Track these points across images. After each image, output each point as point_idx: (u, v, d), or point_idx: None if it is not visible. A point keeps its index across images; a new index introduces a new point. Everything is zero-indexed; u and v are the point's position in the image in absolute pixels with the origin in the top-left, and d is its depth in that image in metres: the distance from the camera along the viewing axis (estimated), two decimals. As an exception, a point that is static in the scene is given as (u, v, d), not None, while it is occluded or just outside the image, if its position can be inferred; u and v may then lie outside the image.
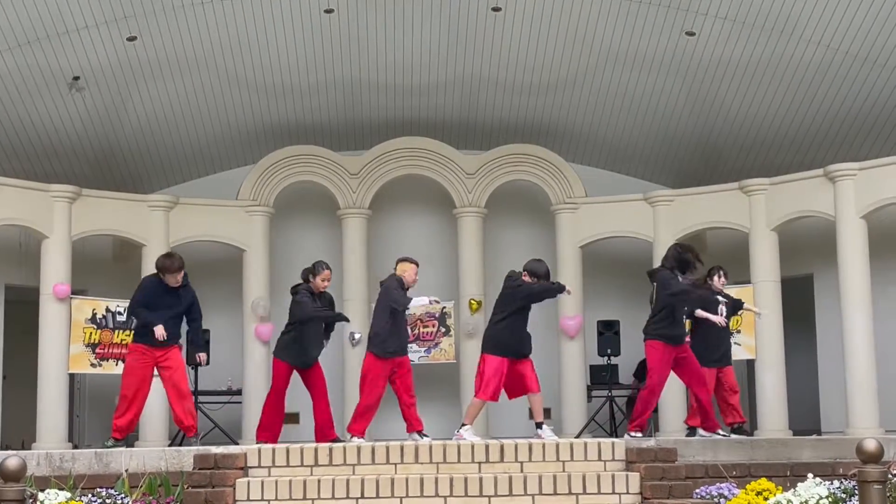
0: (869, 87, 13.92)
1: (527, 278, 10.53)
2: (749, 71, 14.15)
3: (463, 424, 10.40)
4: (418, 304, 10.85)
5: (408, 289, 10.72)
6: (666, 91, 14.92)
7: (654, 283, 10.75)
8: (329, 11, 13.48)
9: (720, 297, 11.39)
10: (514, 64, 14.59)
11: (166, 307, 10.28)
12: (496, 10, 13.52)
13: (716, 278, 11.44)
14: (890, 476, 7.84)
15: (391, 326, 10.61)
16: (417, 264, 10.91)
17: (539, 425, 10.41)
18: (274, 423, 10.97)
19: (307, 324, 10.88)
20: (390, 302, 10.59)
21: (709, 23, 13.37)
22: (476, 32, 14.02)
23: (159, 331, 10.05)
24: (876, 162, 13.66)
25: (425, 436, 10.49)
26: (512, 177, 15.87)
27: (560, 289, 10.63)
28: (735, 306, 11.77)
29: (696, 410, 11.06)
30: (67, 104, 14.27)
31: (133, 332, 10.59)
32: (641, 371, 16.00)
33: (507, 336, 10.36)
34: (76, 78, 13.82)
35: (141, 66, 13.98)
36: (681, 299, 10.57)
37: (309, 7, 13.36)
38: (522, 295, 10.45)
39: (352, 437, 10.51)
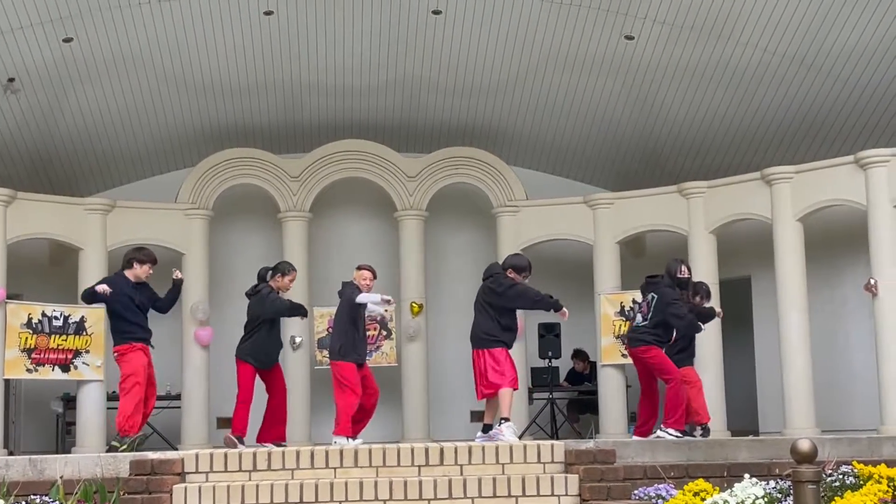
0: (805, 90, 14.11)
1: (512, 275, 10.59)
2: (687, 74, 14.28)
3: (504, 419, 10.33)
4: (370, 299, 10.90)
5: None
6: (605, 94, 15.01)
7: (652, 294, 11.04)
8: (268, 13, 13.40)
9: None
10: (455, 67, 14.61)
11: (140, 306, 10.60)
12: (436, 12, 13.53)
13: (697, 299, 11.58)
14: (824, 476, 7.94)
15: (355, 334, 10.85)
16: (373, 271, 11.22)
17: (488, 426, 10.49)
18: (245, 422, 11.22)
19: (273, 323, 11.21)
20: (346, 301, 10.79)
21: (647, 27, 13.47)
22: (416, 35, 14.02)
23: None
24: (812, 165, 13.84)
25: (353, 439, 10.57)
26: (453, 180, 15.87)
27: (557, 307, 10.59)
28: (708, 315, 11.92)
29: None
30: (2, 106, 14.06)
31: (123, 333, 10.53)
32: (573, 377, 16.14)
33: (502, 330, 10.52)
34: (11, 79, 13.62)
35: (77, 68, 13.82)
36: (678, 325, 10.93)
37: (248, 8, 13.28)
38: (513, 296, 10.51)
39: (349, 439, 10.54)
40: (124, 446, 10.05)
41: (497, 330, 10.54)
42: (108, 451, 10.34)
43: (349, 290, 11.02)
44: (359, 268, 11.25)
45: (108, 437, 13.79)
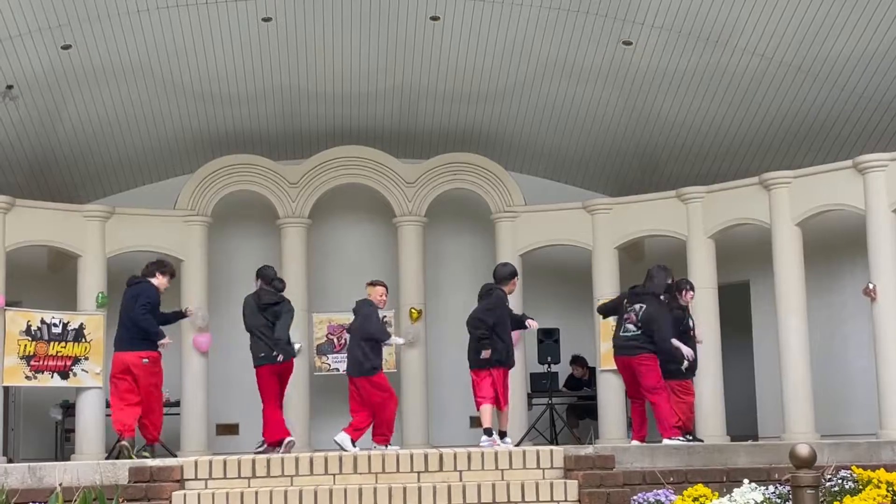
0: (802, 96, 14.12)
1: (515, 284, 11.18)
2: (685, 80, 14.29)
3: (493, 433, 10.70)
4: (394, 342, 11.66)
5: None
6: (604, 100, 15.02)
7: (640, 305, 11.07)
8: (267, 20, 13.42)
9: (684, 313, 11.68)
10: (453, 73, 14.62)
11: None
12: (434, 19, 13.54)
13: (684, 293, 11.64)
14: (823, 480, 7.95)
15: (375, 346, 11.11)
16: (386, 287, 11.36)
17: (489, 432, 10.58)
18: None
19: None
20: (374, 333, 10.96)
21: (645, 32, 13.48)
22: (415, 41, 14.03)
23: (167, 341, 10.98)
24: (810, 170, 13.84)
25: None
26: (451, 185, 15.88)
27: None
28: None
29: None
30: (1, 113, 14.07)
31: (153, 338, 10.83)
32: (572, 383, 16.15)
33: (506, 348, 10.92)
34: (9, 87, 13.63)
35: (76, 75, 13.83)
36: (662, 348, 11.02)
37: (247, 15, 13.29)
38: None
39: (385, 446, 10.77)
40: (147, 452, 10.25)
41: (511, 348, 10.98)
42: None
43: (367, 309, 11.10)
44: (373, 283, 11.32)
45: (108, 443, 13.80)
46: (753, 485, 8.08)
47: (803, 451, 6.81)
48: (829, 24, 12.84)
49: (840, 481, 8.31)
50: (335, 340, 15.40)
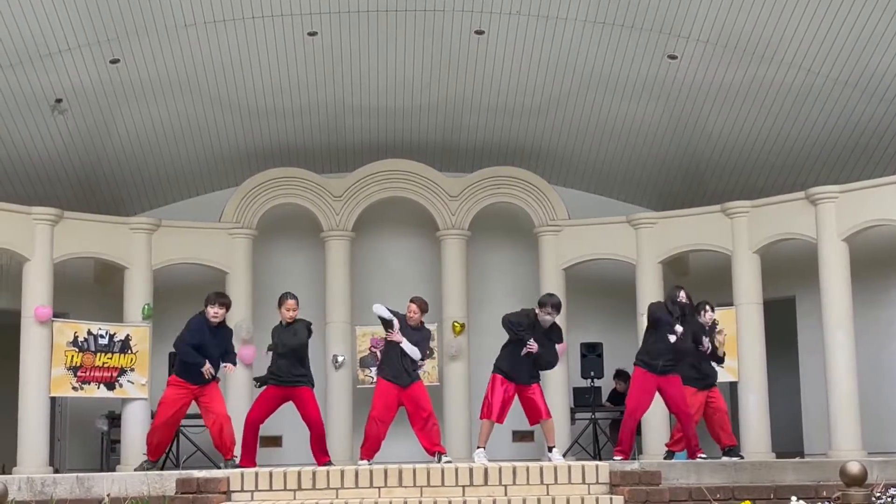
0: (850, 110, 14.02)
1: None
2: (731, 94, 14.23)
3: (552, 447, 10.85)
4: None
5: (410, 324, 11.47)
6: (648, 114, 14.98)
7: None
8: (312, 34, 13.50)
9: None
10: (497, 87, 14.63)
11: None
12: (479, 33, 13.58)
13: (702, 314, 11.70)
14: (873, 499, 7.87)
15: None
16: (413, 301, 11.49)
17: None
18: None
19: None
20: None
21: (690, 46, 13.45)
22: (459, 55, 14.06)
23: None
24: (857, 185, 13.74)
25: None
26: (495, 199, 15.88)
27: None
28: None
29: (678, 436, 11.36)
30: (50, 127, 14.23)
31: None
32: (615, 397, 16.09)
33: None
34: (59, 100, 13.79)
35: (124, 89, 13.97)
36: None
37: (292, 30, 13.39)
38: None
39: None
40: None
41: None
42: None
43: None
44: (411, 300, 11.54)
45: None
46: (802, 502, 8.01)
47: (854, 468, 6.75)
48: (877, 38, 12.74)
49: (890, 499, 8.21)
50: (378, 353, 15.44)
